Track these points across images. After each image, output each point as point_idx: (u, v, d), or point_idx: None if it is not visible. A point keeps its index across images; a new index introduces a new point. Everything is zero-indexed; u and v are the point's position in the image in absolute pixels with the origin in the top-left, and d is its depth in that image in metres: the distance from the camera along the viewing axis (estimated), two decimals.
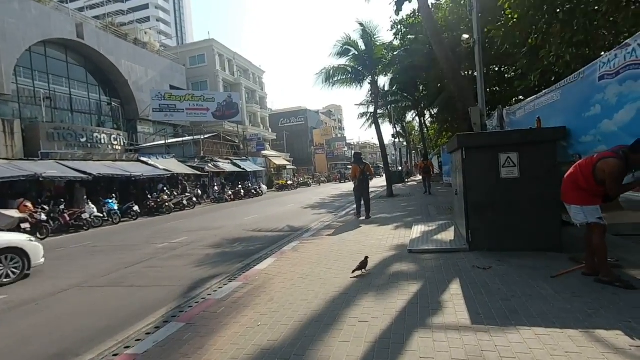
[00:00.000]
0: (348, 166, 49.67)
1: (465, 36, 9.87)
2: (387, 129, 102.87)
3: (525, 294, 3.11)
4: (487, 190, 4.42)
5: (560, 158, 4.23)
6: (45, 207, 13.31)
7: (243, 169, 31.37)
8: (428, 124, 33.51)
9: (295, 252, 5.85)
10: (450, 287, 3.47)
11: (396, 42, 22.87)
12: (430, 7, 10.23)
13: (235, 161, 31.84)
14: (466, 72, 15.84)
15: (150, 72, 33.63)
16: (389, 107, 30.42)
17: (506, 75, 17.39)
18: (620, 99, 3.39)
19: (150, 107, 30.26)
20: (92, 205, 14.86)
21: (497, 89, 16.29)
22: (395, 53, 18.39)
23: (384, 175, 18.65)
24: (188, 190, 23.88)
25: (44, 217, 12.30)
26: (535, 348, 2.26)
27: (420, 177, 17.22)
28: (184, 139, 30.69)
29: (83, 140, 23.28)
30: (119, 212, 15.75)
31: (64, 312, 4.29)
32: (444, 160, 20.55)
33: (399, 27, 22.52)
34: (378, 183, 27.03)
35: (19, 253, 5.98)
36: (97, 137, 24.27)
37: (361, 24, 14.35)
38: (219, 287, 4.52)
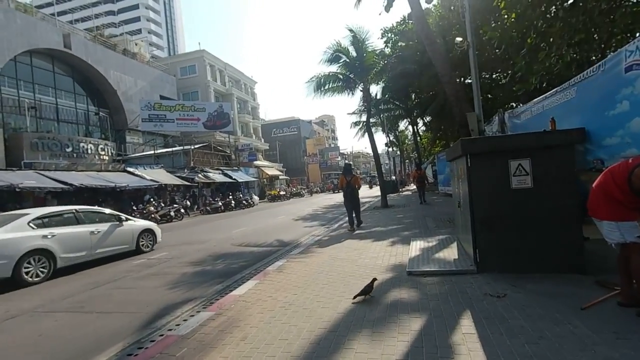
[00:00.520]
0: (340, 175, 48.74)
1: (459, 39, 9.50)
2: (380, 138, 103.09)
3: (556, 334, 2.50)
4: (497, 202, 3.87)
5: (578, 165, 3.71)
6: None
7: (234, 179, 30.73)
8: (421, 133, 33.30)
9: (280, 272, 5.20)
10: (460, 323, 2.85)
11: (387, 50, 22.71)
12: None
13: (226, 171, 31.22)
14: (460, 79, 15.53)
15: (140, 82, 33.21)
16: (381, 115, 30.18)
17: (500, 82, 17.17)
18: None
19: (139, 117, 29.66)
20: None
21: (490, 95, 16.00)
22: (386, 61, 18.10)
23: (378, 184, 18.16)
24: (177, 201, 23.21)
25: None
26: None
27: (415, 187, 16.93)
28: (174, 149, 30.10)
29: (69, 150, 22.80)
30: None
31: (1, 348, 3.60)
32: (439, 169, 20.14)
33: (389, 35, 22.42)
34: (372, 193, 26.51)
35: (151, 232, 9.46)
36: (83, 146, 23.86)
37: (351, 30, 13.99)
38: (188, 317, 3.89)
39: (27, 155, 20.26)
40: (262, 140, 50.11)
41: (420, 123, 29.80)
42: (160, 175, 23.53)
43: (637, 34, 6.63)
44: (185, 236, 12.05)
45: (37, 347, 3.56)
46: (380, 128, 34.11)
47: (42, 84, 26.12)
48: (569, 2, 6.21)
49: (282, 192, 35.31)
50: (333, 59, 14.82)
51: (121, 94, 30.59)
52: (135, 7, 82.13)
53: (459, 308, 3.13)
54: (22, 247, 6.48)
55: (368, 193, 28.60)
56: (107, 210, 9.06)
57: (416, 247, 5.67)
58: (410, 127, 34.45)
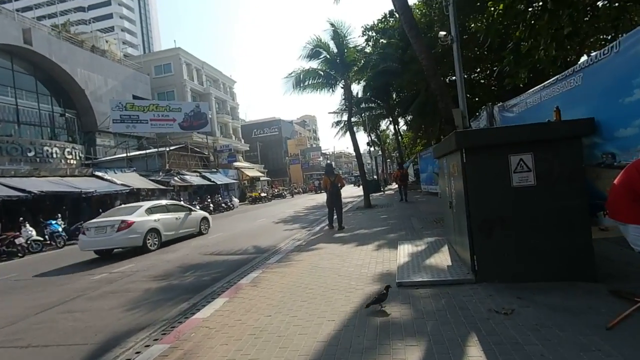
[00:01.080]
0: (323, 176, 48.37)
1: (442, 33, 9.16)
2: (362, 138, 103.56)
3: None
4: (496, 202, 3.42)
5: (586, 160, 3.32)
6: None
7: (213, 181, 29.69)
8: (402, 132, 33.29)
9: (254, 287, 4.60)
10: (467, 353, 2.33)
11: (368, 49, 22.40)
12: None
13: (204, 174, 30.13)
14: (442, 78, 15.35)
15: (111, 82, 31.58)
16: (362, 115, 29.93)
17: (480, 81, 17.15)
18: None
19: (110, 118, 28.13)
20: (30, 228, 13.07)
21: (469, 95, 15.92)
22: (368, 58, 17.70)
23: (361, 184, 17.78)
24: None
25: None
26: None
27: (397, 186, 17.47)
28: (147, 151, 28.73)
29: (31, 154, 21.19)
30: (65, 234, 13.98)
31: None
32: (421, 168, 19.98)
33: (371, 32, 22.10)
34: (355, 193, 26.14)
35: (207, 220, 12.41)
36: (47, 150, 22.18)
37: (332, 25, 13.49)
38: (143, 348, 3.26)
39: None
40: (242, 141, 49.00)
41: (402, 122, 29.74)
42: (132, 179, 22.32)
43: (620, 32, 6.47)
44: None
45: None
46: (362, 127, 33.89)
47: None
48: None
49: (263, 194, 34.51)
50: (313, 55, 14.28)
51: (90, 94, 28.95)
52: (107, 3, 78.82)
53: (462, 330, 2.63)
54: (146, 226, 9.55)
55: (351, 193, 28.23)
56: (183, 204, 13.17)
57: (404, 252, 5.19)
58: (391, 127, 34.47)
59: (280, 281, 4.67)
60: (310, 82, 14.76)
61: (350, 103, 15.60)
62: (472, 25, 8.45)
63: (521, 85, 8.81)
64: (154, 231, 9.74)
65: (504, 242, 3.40)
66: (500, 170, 3.37)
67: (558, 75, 3.76)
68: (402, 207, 13.08)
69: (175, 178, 25.81)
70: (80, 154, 24.92)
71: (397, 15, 16.79)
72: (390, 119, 29.23)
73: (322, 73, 14.71)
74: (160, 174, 25.84)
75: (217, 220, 17.91)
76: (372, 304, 3.25)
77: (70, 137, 28.09)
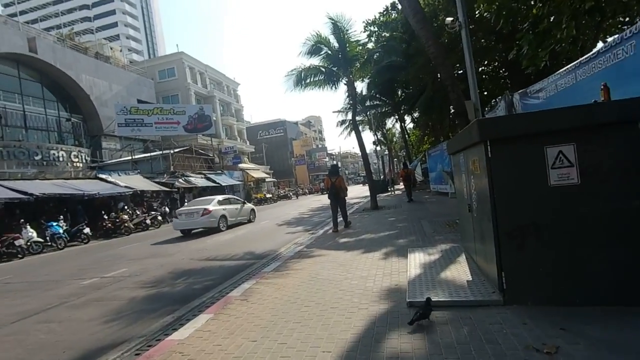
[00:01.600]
0: (324, 177, 47.59)
1: (449, 19, 8.48)
2: (368, 137, 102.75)
3: None
4: (530, 206, 2.78)
5: None
6: None
7: (218, 183, 29.39)
8: (409, 130, 32.49)
9: (244, 301, 4.04)
10: None
11: (371, 45, 21.75)
12: None
13: (209, 175, 29.87)
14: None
15: (115, 87, 31.69)
16: (367, 113, 29.29)
17: (491, 73, 16.38)
18: None
19: (115, 122, 28.09)
20: (31, 230, 13.22)
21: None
22: (370, 52, 17.00)
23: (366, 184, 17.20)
24: (154, 208, 21.77)
25: None
26: None
27: (403, 186, 17.40)
28: (152, 154, 28.59)
29: (37, 158, 21.43)
30: (65, 235, 14.08)
31: None
32: (430, 167, 19.23)
33: (372, 27, 21.42)
34: (361, 193, 25.45)
35: (254, 211, 15.88)
36: (54, 154, 22.40)
37: (331, 19, 12.87)
38: None
39: None
40: (248, 142, 48.68)
41: (408, 120, 29.00)
42: (136, 181, 22.08)
43: None
44: (152, 248, 10.82)
45: None
46: (368, 126, 33.20)
47: (7, 90, 24.65)
48: None
49: (268, 195, 34.12)
50: (314, 51, 13.70)
51: (95, 99, 29.08)
52: (112, 12, 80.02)
53: None
54: (219, 214, 12.99)
55: (358, 193, 27.56)
56: (239, 198, 16.97)
57: (415, 261, 4.56)
58: (397, 125, 33.73)
59: (274, 295, 4.09)
60: (312, 80, 14.20)
61: (355, 100, 14.97)
62: (482, 6, 7.75)
63: (530, 77, 8.10)
64: (224, 217, 13.24)
65: (539, 255, 2.76)
66: (534, 165, 2.73)
67: (599, 48, 3.10)
68: (410, 209, 12.40)
69: (180, 180, 25.58)
70: (86, 157, 24.99)
71: (399, 6, 16.12)
72: (396, 117, 28.52)
73: (323, 70, 14.14)
74: (165, 176, 25.64)
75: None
76: (417, 320, 2.77)
77: (76, 141, 28.30)
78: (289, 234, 10.46)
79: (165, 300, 4.99)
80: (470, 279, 3.54)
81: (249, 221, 15.00)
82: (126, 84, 33.10)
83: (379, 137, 36.92)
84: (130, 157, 27.24)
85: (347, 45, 13.45)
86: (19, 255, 11.80)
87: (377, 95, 23.76)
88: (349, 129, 32.66)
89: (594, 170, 2.63)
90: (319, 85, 14.32)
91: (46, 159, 21.78)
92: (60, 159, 22.72)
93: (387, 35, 18.64)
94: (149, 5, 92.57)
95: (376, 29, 21.20)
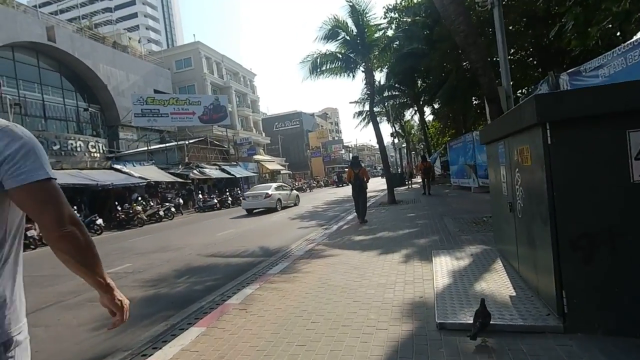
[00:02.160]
0: (345, 169, 47.21)
1: None
2: (385, 129, 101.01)
3: None
4: (603, 208, 2.16)
5: None
6: None
7: (232, 174, 29.26)
8: (428, 123, 31.31)
9: (242, 310, 3.55)
10: None
11: (391, 32, 20.76)
12: None
13: (223, 167, 29.77)
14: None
15: (132, 77, 31.81)
16: (385, 104, 28.32)
17: (513, 64, 15.23)
18: None
19: (131, 112, 28.23)
20: None
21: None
22: (391, 36, 16.07)
23: (384, 177, 16.52)
24: (169, 199, 21.77)
25: None
26: None
27: (420, 179, 17.12)
28: (167, 144, 28.68)
29: (56, 148, 21.57)
30: None
31: None
32: (451, 160, 18.30)
33: (393, 13, 20.38)
34: (378, 186, 24.72)
35: (298, 197, 19.16)
36: (72, 144, 22.53)
37: (349, 1, 12.11)
38: None
39: None
40: (264, 134, 48.42)
41: (428, 111, 27.88)
42: (150, 172, 22.10)
43: None
44: (163, 240, 10.57)
45: None
46: (385, 118, 32.23)
47: (26, 80, 24.89)
48: None
49: None
50: (330, 36, 13.00)
51: (112, 89, 29.27)
52: (132, 3, 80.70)
53: None
54: (276, 197, 16.03)
55: (374, 186, 26.85)
56: (287, 185, 20.85)
57: (441, 267, 3.94)
58: (416, 117, 32.60)
59: (277, 305, 3.58)
60: (328, 67, 13.54)
61: (373, 88, 14.22)
62: None
63: (563, 65, 7.18)
64: (279, 200, 16.21)
65: (614, 270, 2.14)
66: (611, 156, 2.10)
67: None
68: (430, 204, 11.68)
69: (195, 171, 25.54)
70: (104, 148, 25.16)
71: None
72: (415, 108, 27.46)
73: (340, 56, 13.44)
74: (180, 167, 25.65)
75: (233, 214, 17.20)
76: (479, 333, 2.26)
77: (94, 131, 28.60)
78: (301, 229, 9.99)
79: (162, 304, 4.59)
80: (514, 294, 2.90)
81: (295, 204, 17.80)
82: (143, 74, 33.21)
83: (397, 129, 35.87)
84: (146, 148, 27.38)
85: (366, 29, 12.68)
86: (32, 247, 11.70)
87: (396, 85, 22.81)
88: (366, 121, 31.81)
89: None
90: (336, 72, 13.68)
91: (64, 149, 21.92)
92: (78, 149, 22.86)
93: (409, 20, 17.64)
94: None
95: (397, 15, 20.17)
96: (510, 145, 3.03)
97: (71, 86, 27.88)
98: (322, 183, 45.84)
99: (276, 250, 7.07)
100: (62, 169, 18.94)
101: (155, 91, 32.86)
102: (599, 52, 5.55)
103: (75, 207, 15.29)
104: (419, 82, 23.03)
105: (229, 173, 29.13)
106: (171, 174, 23.92)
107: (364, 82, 14.22)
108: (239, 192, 26.96)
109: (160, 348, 2.96)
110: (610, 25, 5.62)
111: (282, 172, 43.24)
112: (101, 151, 24.68)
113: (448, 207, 10.20)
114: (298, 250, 6.50)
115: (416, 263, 4.43)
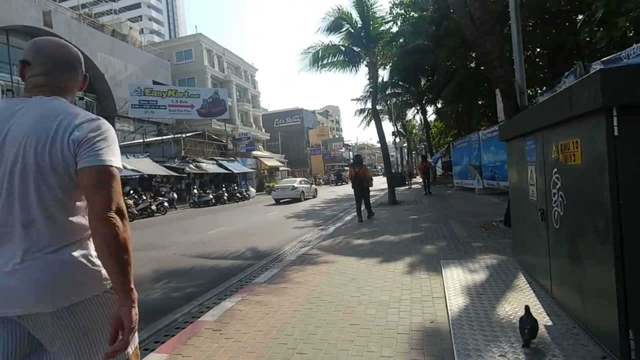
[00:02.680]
0: (345, 167, 46.87)
1: None
2: (387, 127, 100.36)
3: None
4: None
5: None
6: None
7: (229, 170, 28.65)
8: (430, 123, 30.69)
9: (217, 331, 2.97)
10: None
11: (396, 28, 20.11)
12: None
13: (221, 162, 29.15)
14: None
15: (131, 67, 31.13)
16: (388, 102, 27.69)
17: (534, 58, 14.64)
18: None
19: (128, 103, 27.59)
20: None
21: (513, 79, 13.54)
22: (396, 31, 15.42)
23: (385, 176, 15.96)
24: (162, 193, 21.18)
25: None
26: None
27: (421, 179, 17.11)
28: (164, 137, 28.05)
29: None
30: None
31: None
32: (454, 160, 17.74)
33: (399, 9, 19.69)
34: (377, 185, 24.17)
35: (316, 190, 22.71)
36: None
37: None
38: None
39: None
40: (263, 130, 47.77)
41: (430, 111, 27.29)
42: (145, 165, 21.47)
43: None
44: (150, 237, 9.97)
45: None
46: (387, 116, 31.62)
47: None
48: None
49: None
50: (333, 28, 12.41)
51: (109, 79, 28.66)
52: None
53: None
54: (300, 189, 19.24)
55: (374, 186, 26.26)
56: (308, 179, 26.55)
57: (453, 282, 3.37)
58: (417, 117, 32.03)
59: (258, 326, 2.99)
60: (330, 60, 12.93)
61: (376, 82, 13.63)
62: None
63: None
64: (302, 192, 19.06)
65: None
66: None
67: None
68: (433, 205, 11.12)
69: (191, 165, 24.94)
70: None
71: None
72: (418, 108, 26.87)
73: (344, 49, 12.84)
74: (176, 160, 25.05)
75: (228, 211, 16.63)
76: (531, 339, 2.09)
77: None
78: (296, 228, 9.42)
79: None
80: (550, 322, 2.33)
81: (313, 197, 20.72)
82: (142, 64, 32.53)
83: (398, 128, 35.29)
84: (142, 140, 26.77)
85: (372, 22, 12.07)
86: None
87: (400, 83, 22.19)
88: (367, 119, 31.20)
89: None
90: (338, 66, 13.06)
91: None
92: None
93: (416, 15, 17.01)
94: None
95: (403, 10, 19.50)
96: (547, 140, 2.47)
97: None
98: (321, 181, 45.24)
99: (267, 253, 6.51)
100: None
101: (154, 82, 32.20)
102: (625, 46, 5.03)
103: None
104: (423, 80, 22.46)
105: (226, 168, 28.55)
106: (167, 167, 23.32)
107: (367, 76, 13.64)
108: (236, 187, 26.36)
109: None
110: (633, 13, 5.07)
111: (281, 168, 42.63)
112: None
113: (452, 209, 9.64)
114: (290, 254, 5.93)
115: (423, 275, 3.85)
